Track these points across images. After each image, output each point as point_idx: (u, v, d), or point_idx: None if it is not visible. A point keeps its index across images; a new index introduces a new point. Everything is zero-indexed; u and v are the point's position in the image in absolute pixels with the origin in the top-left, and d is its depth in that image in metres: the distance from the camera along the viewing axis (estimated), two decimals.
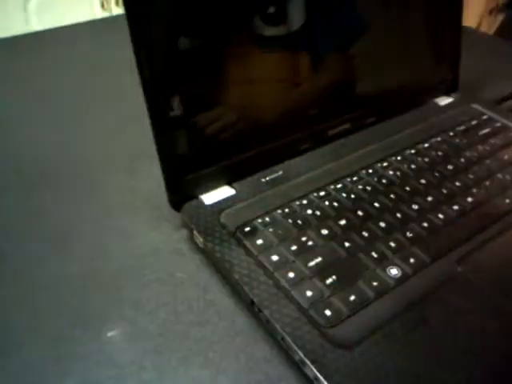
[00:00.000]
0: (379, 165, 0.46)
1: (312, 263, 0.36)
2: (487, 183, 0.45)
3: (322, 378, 0.29)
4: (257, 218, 0.40)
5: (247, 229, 0.39)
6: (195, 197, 0.42)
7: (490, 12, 1.84)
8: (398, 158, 0.47)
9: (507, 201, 0.43)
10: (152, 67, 0.36)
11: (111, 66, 0.66)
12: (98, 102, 0.60)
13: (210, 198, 0.41)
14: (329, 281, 0.35)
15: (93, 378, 0.32)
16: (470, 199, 0.43)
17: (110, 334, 0.34)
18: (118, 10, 1.59)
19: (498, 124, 0.53)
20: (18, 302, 0.36)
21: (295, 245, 0.37)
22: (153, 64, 0.37)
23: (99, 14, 1.59)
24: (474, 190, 0.44)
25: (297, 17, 0.44)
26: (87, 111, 0.58)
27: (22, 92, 0.62)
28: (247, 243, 0.38)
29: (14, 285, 0.38)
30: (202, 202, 0.41)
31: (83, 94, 0.61)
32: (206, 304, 0.36)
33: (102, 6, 1.58)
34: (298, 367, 0.32)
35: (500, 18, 1.86)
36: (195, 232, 0.39)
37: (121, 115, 0.56)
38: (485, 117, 0.54)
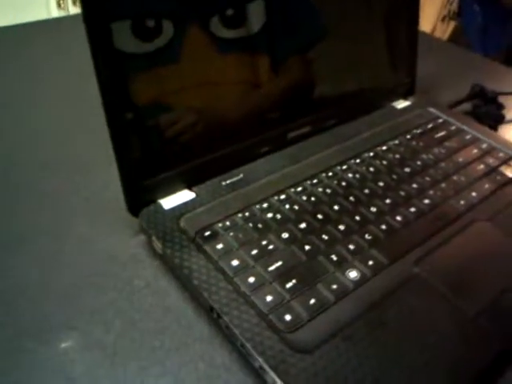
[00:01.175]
0: (338, 168, 0.46)
1: (272, 267, 0.36)
2: (443, 185, 0.46)
3: (281, 383, 0.29)
4: (217, 222, 0.39)
5: (207, 233, 0.38)
6: (154, 201, 0.41)
7: (443, 19, 1.90)
8: (357, 160, 0.48)
9: (462, 202, 0.44)
10: (108, 69, 0.36)
11: (67, 66, 0.64)
12: (54, 103, 0.58)
13: (169, 202, 0.41)
14: (289, 285, 0.35)
15: None
16: (426, 201, 0.43)
17: (63, 345, 0.33)
18: (75, 10, 1.56)
19: (453, 127, 0.54)
20: None
21: (256, 249, 0.37)
22: (109, 66, 0.36)
23: (55, 13, 1.55)
24: (431, 192, 0.44)
25: (256, 19, 0.43)
26: (43, 112, 0.56)
27: None
28: (207, 248, 0.37)
29: None
30: (160, 207, 0.40)
31: (39, 94, 0.59)
32: (164, 311, 0.35)
33: (59, 5, 1.55)
34: (257, 373, 0.31)
35: (452, 24, 1.92)
36: (153, 237, 0.38)
37: (77, 117, 0.55)
38: (440, 120, 0.55)
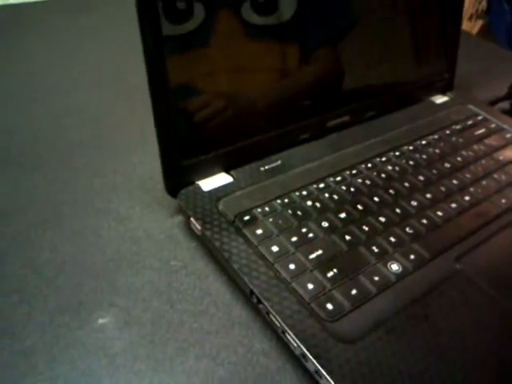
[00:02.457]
0: (378, 159, 0.46)
1: (313, 255, 0.35)
2: (484, 183, 0.45)
3: (324, 372, 0.29)
4: (256, 207, 0.39)
5: (246, 218, 0.38)
6: (192, 183, 0.40)
7: (470, 18, 1.88)
8: (397, 153, 0.47)
9: (503, 200, 0.43)
10: (151, 51, 0.35)
11: (103, 48, 0.64)
12: (91, 84, 0.58)
13: (207, 184, 0.40)
14: (330, 274, 0.34)
15: (84, 366, 0.30)
16: (467, 198, 0.42)
17: (101, 321, 0.33)
18: None
19: (493, 125, 0.53)
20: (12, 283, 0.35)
21: (295, 236, 0.37)
22: (151, 47, 0.35)
23: None
24: (472, 189, 0.44)
25: (287, 7, 0.43)
26: (81, 93, 0.56)
27: None
28: (247, 232, 0.36)
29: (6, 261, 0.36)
30: (199, 188, 0.40)
31: (76, 75, 0.59)
32: (203, 293, 0.35)
33: None
34: (297, 360, 0.31)
35: (479, 23, 1.90)
36: (192, 219, 0.38)
37: (113, 99, 0.55)
38: (480, 117, 0.54)
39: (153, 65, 0.35)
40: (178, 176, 0.39)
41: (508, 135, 0.52)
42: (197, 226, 0.37)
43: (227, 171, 0.42)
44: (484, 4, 1.84)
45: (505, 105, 0.61)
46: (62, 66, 0.61)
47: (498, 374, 0.30)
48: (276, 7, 0.42)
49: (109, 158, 0.46)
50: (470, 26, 1.91)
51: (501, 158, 0.48)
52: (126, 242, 0.38)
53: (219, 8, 0.39)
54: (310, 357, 0.29)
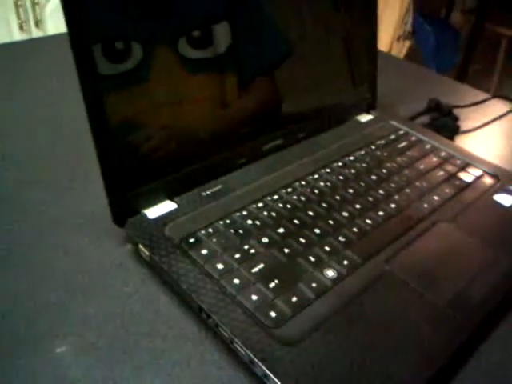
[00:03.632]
0: (311, 177, 0.49)
1: (255, 269, 0.38)
2: (407, 190, 0.49)
3: (271, 374, 0.31)
4: (200, 229, 0.41)
5: (191, 240, 0.40)
6: (138, 212, 0.43)
7: (398, 39, 2.00)
8: (328, 170, 0.51)
9: (425, 205, 0.47)
10: (89, 90, 0.37)
11: (32, 89, 0.65)
12: (28, 122, 0.59)
13: (153, 212, 0.43)
14: (272, 285, 0.37)
15: None
16: (393, 205, 0.47)
17: (59, 350, 0.34)
18: (38, 33, 1.56)
19: (414, 138, 0.58)
20: None
21: (238, 253, 0.39)
22: (89, 87, 0.37)
23: (17, 35, 1.54)
24: (396, 197, 0.48)
25: (222, 40, 0.46)
26: (20, 131, 0.57)
27: None
28: (192, 253, 0.39)
29: None
30: (145, 217, 0.42)
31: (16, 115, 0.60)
32: (155, 315, 0.37)
33: (21, 27, 1.54)
34: (247, 368, 0.33)
35: (407, 44, 2.03)
36: (140, 245, 0.40)
37: (56, 135, 0.56)
38: (401, 131, 0.59)
39: (91, 102, 0.38)
40: (123, 206, 0.42)
41: (427, 146, 0.57)
42: (145, 251, 0.40)
43: (171, 198, 0.44)
44: (409, 26, 1.97)
45: (425, 119, 0.67)
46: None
47: (428, 363, 0.34)
48: (211, 41, 0.45)
49: (57, 193, 0.48)
50: (399, 46, 2.03)
51: (422, 167, 0.53)
52: (78, 273, 0.40)
53: (156, 45, 0.42)
54: (257, 361, 0.32)
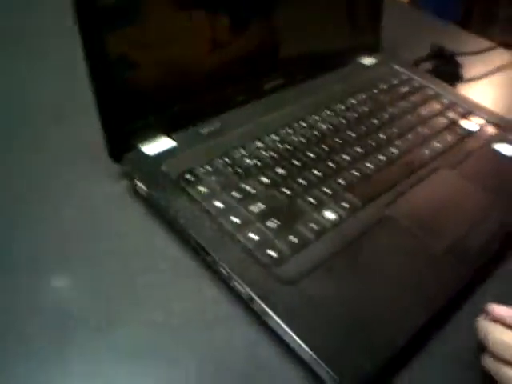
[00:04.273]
0: (312, 118, 0.48)
1: (255, 208, 0.38)
2: (409, 136, 0.48)
3: (269, 311, 0.31)
4: (198, 166, 0.40)
5: (190, 177, 0.39)
6: (135, 147, 0.41)
7: None
8: (329, 112, 0.50)
9: (427, 151, 0.47)
10: (86, 23, 0.36)
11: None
12: (28, 58, 0.56)
13: (150, 147, 0.41)
14: (271, 224, 0.37)
15: (35, 329, 0.31)
16: (394, 150, 0.46)
17: (55, 283, 0.34)
18: None
19: (417, 83, 0.57)
20: None
21: (237, 192, 0.39)
22: (86, 20, 0.36)
23: None
24: (398, 142, 0.47)
25: None
26: (17, 65, 0.55)
27: None
28: (191, 191, 0.38)
29: None
30: (142, 152, 0.41)
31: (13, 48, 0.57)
32: (153, 251, 0.37)
33: None
34: (245, 305, 0.33)
35: None
36: (138, 181, 0.39)
37: (50, 71, 0.54)
38: (405, 76, 0.58)
39: (88, 37, 0.36)
40: (120, 141, 0.40)
41: (430, 92, 0.56)
42: (142, 187, 0.39)
43: (168, 135, 0.43)
44: None
45: (428, 65, 0.65)
46: None
47: (424, 305, 0.34)
48: None
49: (53, 129, 0.46)
50: None
51: (424, 113, 0.52)
52: (74, 209, 0.39)
53: None
54: (256, 298, 0.32)
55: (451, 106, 0.54)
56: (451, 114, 0.52)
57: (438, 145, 0.48)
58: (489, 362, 0.30)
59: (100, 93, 0.38)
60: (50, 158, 0.43)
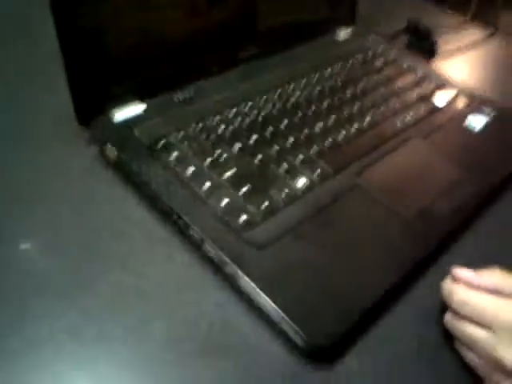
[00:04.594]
0: (286, 87, 0.48)
1: (227, 173, 0.38)
2: (382, 108, 0.49)
3: (241, 273, 0.32)
4: (171, 133, 0.40)
5: (162, 142, 0.39)
6: (106, 112, 0.41)
7: None
8: (303, 82, 0.50)
9: (398, 123, 0.47)
10: None
11: None
12: None
13: (121, 113, 0.41)
14: (243, 189, 0.37)
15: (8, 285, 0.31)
16: (367, 120, 0.46)
17: (23, 246, 0.33)
18: None
19: (391, 57, 0.57)
20: None
21: (210, 157, 0.39)
22: None
23: None
24: (370, 113, 0.47)
25: None
26: None
27: None
28: (163, 156, 0.38)
29: None
30: (113, 117, 0.40)
31: None
32: (123, 218, 0.36)
33: None
34: (216, 269, 0.33)
35: None
36: (108, 145, 0.38)
37: (15, 31, 0.52)
38: (380, 49, 0.58)
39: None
40: (88, 105, 0.39)
41: (404, 65, 0.56)
42: (113, 152, 0.38)
43: (141, 101, 0.42)
44: None
45: (403, 39, 0.65)
46: None
47: (394, 268, 0.35)
48: None
49: (19, 92, 0.45)
50: None
51: (397, 85, 0.53)
52: (42, 174, 0.38)
53: None
54: (228, 260, 0.32)
55: (424, 79, 0.54)
56: (424, 87, 0.53)
57: (410, 117, 0.48)
58: (450, 320, 0.31)
59: (68, 55, 0.37)
60: (18, 121, 0.42)
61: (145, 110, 0.42)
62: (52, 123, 0.42)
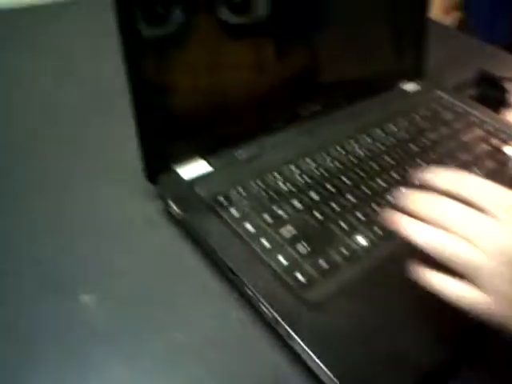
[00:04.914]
0: (349, 143, 0.48)
1: (285, 232, 0.38)
2: (449, 162, 0.47)
3: (295, 335, 0.31)
4: (231, 189, 0.41)
5: (222, 199, 0.40)
6: (170, 169, 0.42)
7: (448, 10, 1.91)
8: (367, 137, 0.49)
9: None
10: (131, 50, 0.37)
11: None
12: (70, 84, 0.59)
13: (185, 170, 0.42)
14: (301, 248, 0.37)
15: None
16: None
17: (83, 298, 0.35)
18: None
19: (459, 109, 0.56)
20: None
21: (269, 215, 0.39)
22: (130, 47, 0.37)
23: None
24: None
25: (262, 6, 0.45)
26: (56, 96, 0.57)
27: None
28: (223, 213, 0.39)
29: None
30: (177, 174, 0.42)
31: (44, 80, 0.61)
32: (182, 272, 0.37)
33: None
34: (271, 328, 0.33)
35: (457, 14, 1.93)
36: (171, 202, 0.40)
37: (87, 99, 0.56)
38: (447, 103, 0.57)
39: (131, 60, 0.37)
40: (156, 162, 0.41)
41: (472, 118, 0.55)
42: (175, 209, 0.40)
43: (204, 158, 0.44)
44: None
45: (473, 91, 0.63)
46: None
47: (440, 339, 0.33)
48: (250, 6, 0.44)
49: (94, 147, 0.49)
50: (450, 17, 1.94)
51: (465, 139, 0.51)
52: (109, 225, 0.40)
53: (197, 10, 0.41)
54: (282, 322, 0.32)
55: (494, 132, 0.52)
56: (494, 141, 0.51)
57: (479, 172, 0.46)
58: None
59: (140, 114, 0.39)
60: (89, 173, 0.45)
61: (208, 168, 0.43)
62: (123, 178, 0.45)
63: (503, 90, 0.62)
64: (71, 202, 0.43)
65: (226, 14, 0.42)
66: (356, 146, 0.48)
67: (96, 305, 0.34)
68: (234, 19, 0.43)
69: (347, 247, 0.37)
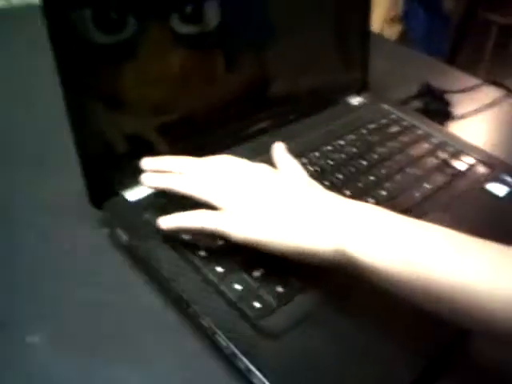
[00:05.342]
0: (298, 161, 0.47)
1: (238, 257, 0.36)
2: (398, 177, 0.48)
3: (253, 369, 0.30)
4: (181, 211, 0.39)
5: None
6: (117, 193, 0.40)
7: (390, 21, 1.97)
8: (317, 154, 0.49)
9: (416, 194, 0.46)
10: (69, 58, 0.35)
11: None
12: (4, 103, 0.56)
13: (132, 194, 0.40)
14: (256, 274, 0.35)
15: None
16: (383, 192, 0.45)
17: (29, 338, 0.32)
18: None
19: (406, 123, 0.57)
20: None
21: (221, 240, 0.37)
22: (70, 55, 0.35)
23: None
24: (387, 184, 0.46)
25: (212, 17, 0.44)
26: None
27: None
28: (173, 239, 0.37)
29: None
30: (124, 199, 0.40)
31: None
32: (132, 303, 0.35)
33: None
34: (228, 360, 0.32)
35: (398, 27, 1.99)
36: (118, 229, 0.38)
37: (29, 117, 0.53)
38: (393, 116, 0.58)
39: (67, 74, 0.35)
40: (101, 187, 0.39)
41: (419, 132, 0.55)
42: (123, 236, 0.37)
43: None
44: (400, 9, 1.93)
45: (417, 103, 0.65)
46: None
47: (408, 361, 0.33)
48: (201, 17, 0.43)
49: (34, 175, 0.45)
50: (391, 29, 2.00)
51: (413, 153, 0.52)
52: (52, 256, 0.38)
53: (150, 19, 0.40)
54: (240, 355, 0.30)
55: (441, 145, 0.53)
56: (441, 154, 0.52)
57: (428, 186, 0.47)
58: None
59: (79, 138, 0.37)
60: (30, 204, 0.42)
61: (155, 191, 0.41)
62: (66, 205, 0.42)
63: (446, 103, 0.64)
64: (11, 228, 0.40)
65: (177, 24, 0.41)
66: (305, 163, 0.47)
67: (46, 345, 0.32)
68: (184, 29, 0.42)
69: (304, 269, 0.36)
